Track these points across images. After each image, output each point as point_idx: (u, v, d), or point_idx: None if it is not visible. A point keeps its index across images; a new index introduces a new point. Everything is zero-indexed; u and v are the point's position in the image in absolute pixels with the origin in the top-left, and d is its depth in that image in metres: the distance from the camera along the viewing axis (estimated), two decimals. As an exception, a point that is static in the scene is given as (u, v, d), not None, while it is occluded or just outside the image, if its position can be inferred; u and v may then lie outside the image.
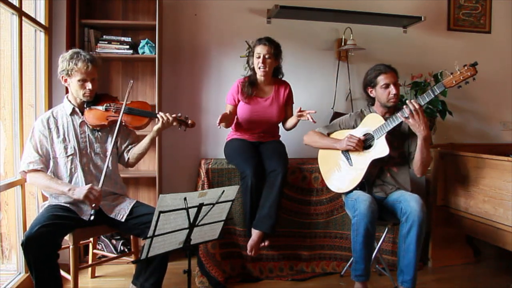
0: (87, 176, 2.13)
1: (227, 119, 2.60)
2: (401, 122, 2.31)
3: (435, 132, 3.40)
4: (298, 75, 3.11)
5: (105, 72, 3.10)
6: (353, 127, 2.50)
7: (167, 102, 3.16)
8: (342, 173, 2.47)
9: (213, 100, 3.30)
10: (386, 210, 2.38)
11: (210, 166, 2.71)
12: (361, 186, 2.38)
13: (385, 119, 2.34)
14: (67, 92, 2.24)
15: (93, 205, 1.98)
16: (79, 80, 2.09)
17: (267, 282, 2.65)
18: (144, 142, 2.24)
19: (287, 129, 2.80)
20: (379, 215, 2.28)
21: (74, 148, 2.13)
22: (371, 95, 2.46)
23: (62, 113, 2.17)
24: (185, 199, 1.58)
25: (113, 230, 2.28)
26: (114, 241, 2.90)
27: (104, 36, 2.95)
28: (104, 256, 2.75)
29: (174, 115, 2.20)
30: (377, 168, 2.44)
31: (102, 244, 2.88)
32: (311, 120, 2.48)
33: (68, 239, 2.08)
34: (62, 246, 2.00)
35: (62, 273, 2.09)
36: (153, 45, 2.95)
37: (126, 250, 2.86)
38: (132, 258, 2.46)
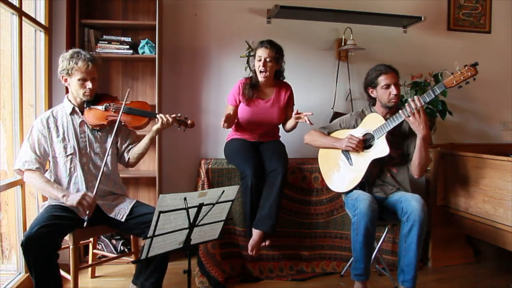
0: (87, 175, 2.13)
1: (231, 120, 2.60)
2: (402, 122, 2.31)
3: (435, 132, 3.40)
4: (298, 75, 3.12)
5: (105, 72, 3.10)
6: (354, 127, 2.50)
7: (167, 102, 3.16)
8: (342, 173, 2.47)
9: (213, 100, 3.30)
10: (386, 210, 2.38)
11: (210, 166, 2.71)
12: (361, 186, 2.38)
13: (386, 119, 2.34)
14: (67, 92, 2.24)
15: (87, 212, 1.97)
16: (79, 79, 2.09)
17: (267, 282, 2.65)
18: (144, 142, 2.24)
19: (287, 131, 2.81)
20: (379, 215, 2.28)
21: (74, 147, 2.13)
22: (372, 95, 2.46)
23: (62, 112, 2.17)
24: (185, 199, 1.58)
25: (113, 230, 2.28)
26: (114, 241, 2.90)
27: (104, 36, 2.95)
28: (104, 256, 2.75)
29: (173, 115, 2.20)
30: (377, 168, 2.44)
31: (102, 244, 2.88)
32: (308, 123, 2.48)
33: (68, 239, 2.08)
34: (62, 246, 2.00)
35: (62, 273, 2.09)
36: (153, 45, 2.95)
37: (126, 250, 2.86)
38: (132, 258, 2.46)
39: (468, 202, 2.60)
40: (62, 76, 2.12)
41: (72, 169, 2.11)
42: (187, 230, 1.70)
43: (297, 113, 2.53)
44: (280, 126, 2.87)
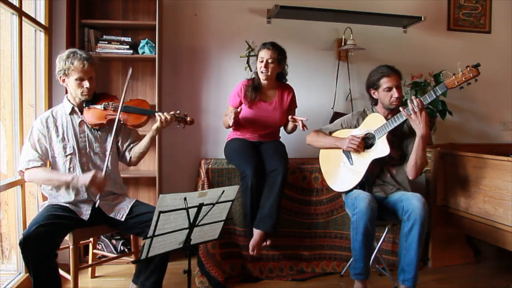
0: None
1: (238, 116, 2.59)
2: (403, 123, 2.31)
3: (435, 132, 3.40)
4: (298, 75, 3.12)
5: (105, 72, 3.10)
6: (355, 126, 2.50)
7: (167, 102, 3.16)
8: (342, 172, 2.47)
9: (213, 100, 3.30)
10: (387, 210, 2.38)
11: (210, 166, 2.71)
12: (361, 186, 2.38)
13: (387, 120, 2.34)
14: (67, 92, 2.24)
15: (98, 192, 2.02)
16: (76, 79, 2.09)
17: (267, 282, 2.65)
18: (144, 141, 2.24)
19: (288, 133, 2.81)
20: (379, 215, 2.28)
21: (73, 147, 2.12)
22: (374, 96, 2.46)
23: (61, 112, 2.17)
24: (185, 199, 1.58)
25: (113, 230, 2.28)
26: (114, 241, 2.90)
27: (104, 36, 2.95)
28: (104, 256, 2.75)
29: (172, 113, 2.19)
30: (377, 168, 2.45)
31: (102, 244, 2.88)
32: (300, 127, 2.49)
33: (68, 239, 2.08)
34: (62, 246, 2.00)
35: (62, 273, 2.09)
36: (153, 45, 2.95)
37: (126, 250, 2.86)
38: (132, 258, 2.46)
39: (468, 202, 2.60)
40: (60, 77, 2.12)
41: (72, 169, 2.11)
42: (187, 230, 1.70)
43: (292, 118, 2.55)
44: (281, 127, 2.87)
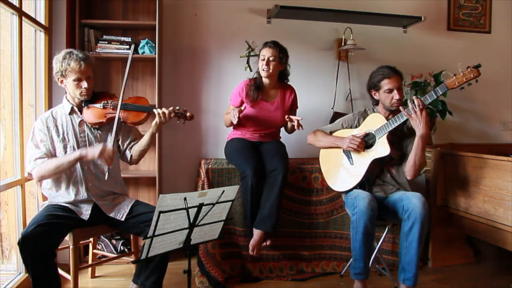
0: (87, 175, 2.13)
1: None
2: (403, 123, 2.31)
3: (435, 132, 3.40)
4: (298, 75, 3.11)
5: (105, 72, 3.10)
6: (356, 126, 2.51)
7: (167, 102, 3.14)
8: (342, 172, 2.47)
9: (213, 100, 3.30)
10: (387, 210, 2.38)
11: (210, 166, 2.71)
12: (361, 185, 2.38)
13: (388, 120, 2.34)
14: (66, 92, 2.24)
15: (107, 164, 2.06)
16: (74, 80, 2.08)
17: (267, 282, 2.65)
18: (145, 139, 2.23)
19: (289, 133, 2.81)
20: (379, 215, 2.28)
21: (74, 147, 2.12)
22: (375, 97, 2.46)
23: (61, 112, 2.17)
24: (185, 199, 1.58)
25: (113, 229, 2.28)
26: (114, 241, 2.90)
27: (104, 36, 2.95)
28: (104, 256, 2.75)
29: (171, 108, 2.18)
30: (378, 168, 2.45)
31: (102, 244, 2.88)
32: (295, 127, 2.50)
33: (68, 239, 2.08)
34: (62, 246, 2.00)
35: (62, 273, 2.09)
36: (153, 45, 2.95)
37: (126, 250, 2.86)
38: (132, 258, 2.46)
39: (468, 202, 2.60)
40: (58, 78, 2.12)
41: (72, 169, 2.11)
42: (187, 230, 1.70)
43: (289, 117, 2.55)
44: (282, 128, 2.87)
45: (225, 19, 3.29)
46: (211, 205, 1.69)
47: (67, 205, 2.06)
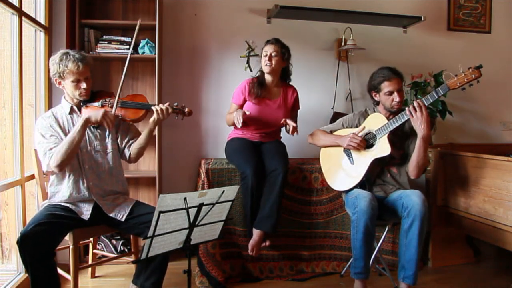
0: (88, 174, 2.13)
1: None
2: (404, 123, 2.31)
3: (435, 132, 3.40)
4: (298, 75, 3.11)
5: (105, 72, 3.10)
6: (357, 126, 2.51)
7: (167, 102, 3.14)
8: (343, 172, 2.47)
9: (213, 100, 3.30)
10: (386, 210, 2.38)
11: (210, 166, 2.71)
12: (361, 185, 2.38)
13: (388, 120, 2.34)
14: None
15: (108, 127, 2.08)
16: (72, 81, 2.08)
17: (267, 282, 2.65)
18: (143, 136, 2.22)
19: (290, 133, 2.81)
20: (379, 215, 2.28)
21: None
22: (376, 98, 2.46)
23: (61, 112, 2.17)
24: (185, 199, 1.58)
25: (113, 230, 2.28)
26: (114, 241, 2.90)
27: (104, 36, 2.95)
28: (104, 256, 2.75)
29: (168, 104, 2.18)
30: (378, 168, 2.45)
31: (102, 244, 2.88)
32: (290, 132, 2.52)
33: (68, 239, 2.08)
34: (62, 246, 2.00)
35: (62, 273, 2.09)
36: (153, 45, 2.95)
37: (126, 250, 2.86)
38: (132, 258, 2.46)
39: (468, 202, 2.60)
40: (56, 80, 2.11)
41: (73, 168, 2.11)
42: (187, 230, 1.70)
43: (285, 121, 2.57)
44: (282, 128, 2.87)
45: (225, 19, 3.29)
46: (211, 205, 1.69)
47: (67, 204, 2.06)
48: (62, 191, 2.09)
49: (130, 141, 2.27)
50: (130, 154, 2.26)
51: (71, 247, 2.07)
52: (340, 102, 3.47)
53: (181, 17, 3.24)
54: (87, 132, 2.17)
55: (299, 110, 2.86)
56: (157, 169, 2.92)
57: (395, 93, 2.35)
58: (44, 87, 2.71)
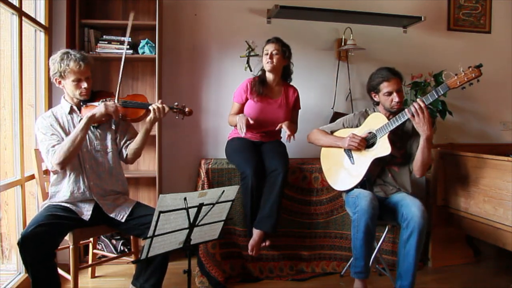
0: (89, 174, 2.13)
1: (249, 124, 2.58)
2: (404, 122, 2.31)
3: (435, 132, 3.39)
4: (298, 75, 3.11)
5: (105, 72, 3.10)
6: (357, 126, 2.51)
7: (167, 102, 3.12)
8: (343, 171, 2.47)
9: (213, 100, 3.30)
10: (386, 210, 2.38)
11: (210, 166, 2.71)
12: (362, 185, 2.38)
13: (389, 119, 2.34)
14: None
15: (115, 117, 2.10)
16: (73, 81, 2.08)
17: (267, 282, 2.65)
18: (140, 136, 2.21)
19: None
20: (379, 215, 2.28)
21: None
22: (375, 99, 2.46)
23: (61, 112, 2.16)
24: (185, 199, 1.58)
25: (113, 230, 2.28)
26: (114, 241, 2.90)
27: (104, 36, 2.94)
28: (104, 256, 2.75)
29: (160, 101, 2.18)
30: (379, 167, 2.45)
31: (102, 244, 2.88)
32: (286, 138, 2.54)
33: (68, 239, 2.08)
34: (62, 246, 2.00)
35: (62, 273, 2.09)
36: (153, 45, 2.95)
37: (126, 250, 2.86)
38: (132, 258, 2.46)
39: (468, 202, 2.60)
40: (56, 79, 2.11)
41: (73, 167, 2.10)
42: (187, 230, 1.70)
43: (281, 125, 2.59)
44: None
45: (225, 19, 3.29)
46: (211, 205, 1.69)
47: (68, 205, 2.06)
48: (62, 190, 2.09)
49: (128, 142, 2.27)
50: (127, 154, 2.26)
51: (71, 247, 2.07)
52: (340, 102, 3.47)
53: (181, 17, 3.24)
54: (88, 132, 2.16)
55: (299, 110, 2.86)
56: (157, 169, 2.92)
57: (395, 93, 2.35)
58: (44, 87, 2.71)
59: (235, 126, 2.67)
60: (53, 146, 2.01)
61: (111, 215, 2.11)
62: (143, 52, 2.98)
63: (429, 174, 2.91)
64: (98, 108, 2.06)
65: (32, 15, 2.55)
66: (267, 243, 2.60)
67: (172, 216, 1.60)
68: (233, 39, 3.30)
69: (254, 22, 3.32)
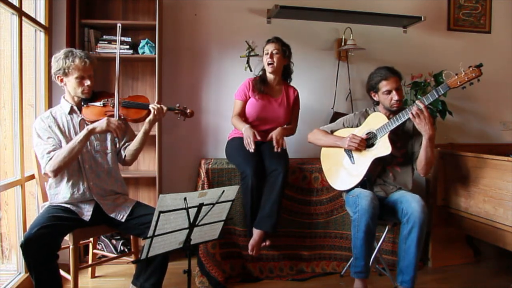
0: (88, 174, 2.13)
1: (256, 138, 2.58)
2: (405, 122, 2.31)
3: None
4: (298, 75, 3.11)
5: (105, 72, 3.10)
6: (357, 126, 2.51)
7: (167, 102, 3.13)
8: (344, 171, 2.47)
9: (213, 100, 3.30)
10: (387, 210, 2.38)
11: (210, 166, 2.71)
12: (362, 184, 2.38)
13: (389, 119, 2.34)
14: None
15: (116, 134, 2.08)
16: (77, 78, 2.08)
17: (267, 282, 2.65)
18: (138, 137, 2.21)
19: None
20: (379, 215, 2.28)
21: None
22: (375, 98, 2.47)
23: (60, 112, 2.16)
24: (185, 199, 1.58)
25: (113, 230, 2.28)
26: (114, 241, 2.90)
27: (104, 36, 2.94)
28: (104, 256, 2.75)
29: (157, 101, 2.19)
30: (379, 167, 2.45)
31: (102, 244, 2.88)
32: (276, 146, 2.56)
33: (68, 239, 2.08)
34: (62, 246, 2.00)
35: (62, 273, 2.09)
36: (153, 45, 2.95)
37: (126, 250, 2.86)
38: (132, 258, 2.46)
39: (468, 202, 2.60)
40: (58, 77, 2.11)
41: (73, 168, 2.10)
42: (187, 230, 1.70)
43: (271, 137, 2.62)
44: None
45: (225, 19, 3.29)
46: (211, 205, 1.69)
47: (68, 205, 2.06)
48: (62, 192, 2.09)
49: (126, 143, 2.27)
50: (125, 156, 2.26)
51: (71, 247, 2.07)
52: (340, 102, 3.47)
53: (181, 17, 3.24)
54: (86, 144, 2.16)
55: (299, 110, 2.86)
56: (157, 169, 2.92)
57: (394, 92, 2.35)
58: (44, 87, 2.71)
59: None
60: (48, 152, 2.01)
61: (111, 215, 2.11)
62: (143, 52, 2.98)
63: (429, 174, 2.91)
64: (100, 123, 2.05)
65: (32, 15, 2.55)
66: (267, 243, 2.60)
67: (172, 216, 1.60)
68: (233, 39, 3.30)
69: (254, 22, 3.32)
